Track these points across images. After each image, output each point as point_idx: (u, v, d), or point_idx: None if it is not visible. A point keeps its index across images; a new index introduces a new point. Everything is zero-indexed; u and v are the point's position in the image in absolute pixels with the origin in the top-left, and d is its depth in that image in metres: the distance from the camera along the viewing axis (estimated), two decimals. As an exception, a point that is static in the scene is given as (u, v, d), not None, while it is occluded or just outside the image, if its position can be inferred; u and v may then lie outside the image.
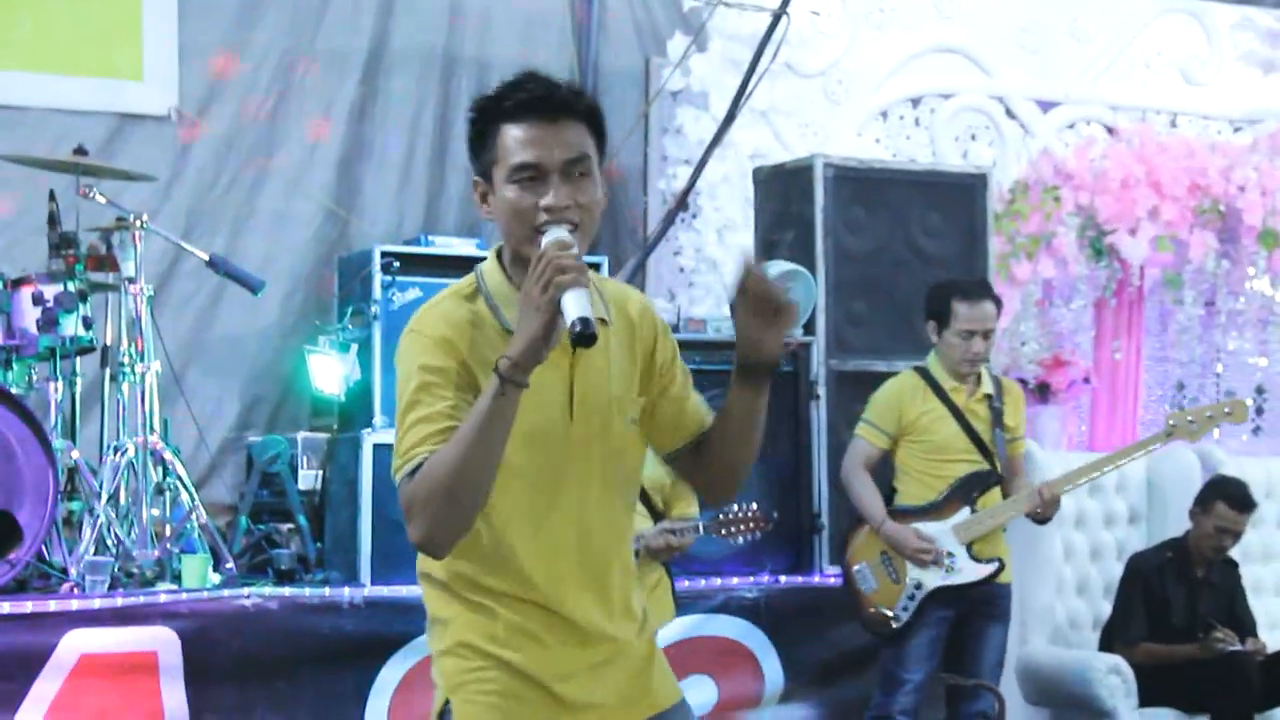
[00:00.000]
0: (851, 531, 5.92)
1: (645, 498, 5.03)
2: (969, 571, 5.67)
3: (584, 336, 2.55)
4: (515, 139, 2.72)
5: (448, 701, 2.85)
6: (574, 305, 2.56)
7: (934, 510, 5.71)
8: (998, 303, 5.81)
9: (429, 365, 2.71)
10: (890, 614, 5.70)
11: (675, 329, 6.61)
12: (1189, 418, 5.76)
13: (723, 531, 5.23)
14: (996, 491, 5.75)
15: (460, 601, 2.83)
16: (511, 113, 2.74)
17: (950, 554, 5.65)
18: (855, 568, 5.83)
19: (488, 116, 2.77)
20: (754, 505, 5.32)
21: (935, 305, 5.79)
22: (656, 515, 5.10)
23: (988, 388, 5.80)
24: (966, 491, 5.70)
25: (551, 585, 2.80)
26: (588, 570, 2.83)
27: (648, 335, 2.92)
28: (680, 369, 2.97)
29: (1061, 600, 7.29)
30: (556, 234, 2.66)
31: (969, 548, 5.67)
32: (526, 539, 2.79)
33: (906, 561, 5.69)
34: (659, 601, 5.06)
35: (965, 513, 5.68)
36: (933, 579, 5.67)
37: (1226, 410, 5.80)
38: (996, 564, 5.70)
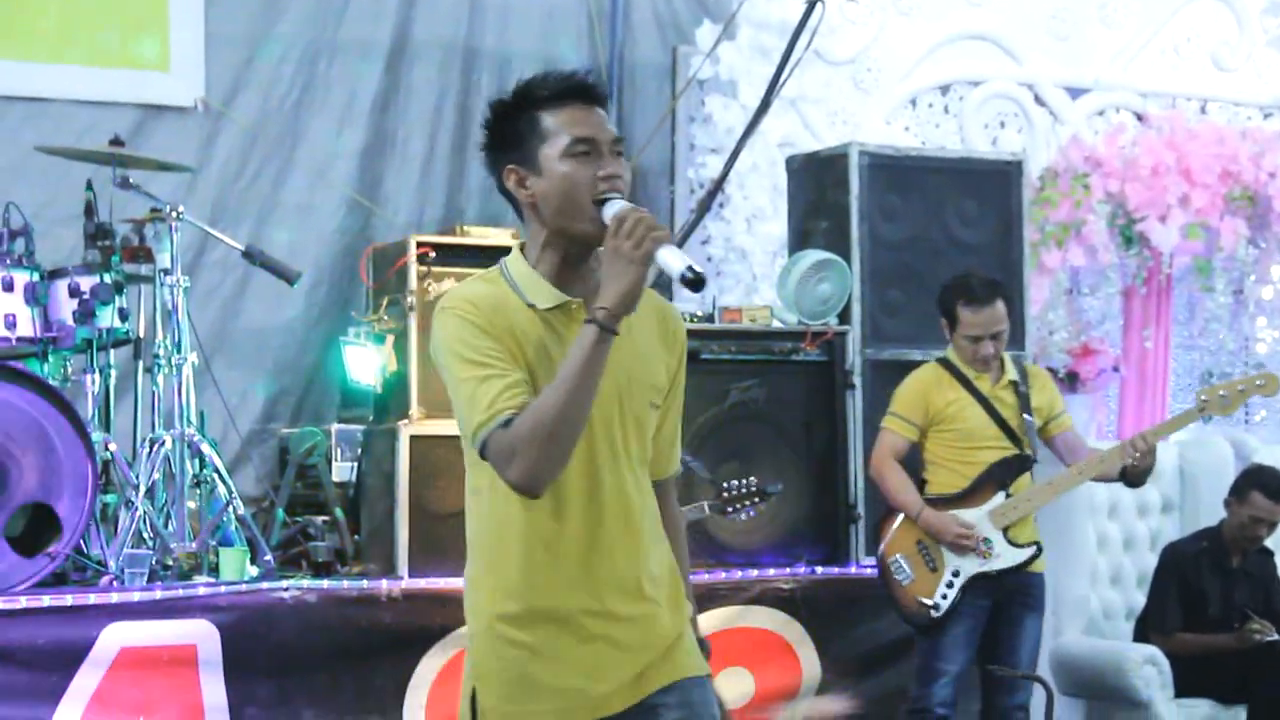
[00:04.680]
0: (883, 523, 5.88)
1: None
2: (1007, 557, 5.65)
3: (697, 281, 2.77)
4: (564, 120, 2.93)
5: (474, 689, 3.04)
6: (676, 257, 2.81)
7: (967, 498, 5.68)
8: (1009, 300, 5.74)
9: (479, 336, 2.89)
10: (930, 603, 5.67)
11: (710, 319, 6.59)
12: (1220, 391, 5.66)
13: (727, 510, 5.58)
14: (1028, 477, 5.72)
15: (484, 565, 3.02)
16: (553, 99, 2.95)
17: (988, 540, 5.62)
18: (891, 559, 5.79)
19: (523, 105, 2.96)
20: (753, 479, 5.63)
21: (944, 306, 5.76)
22: None
23: (1012, 374, 5.76)
24: (999, 477, 5.67)
25: (564, 543, 2.95)
26: (604, 536, 2.97)
27: (676, 349, 3.14)
28: (679, 401, 3.17)
29: (1095, 591, 7.25)
30: (623, 203, 2.87)
31: (1005, 533, 5.64)
32: (543, 512, 2.94)
33: (944, 549, 5.67)
34: None
35: (1000, 498, 5.65)
36: (971, 566, 5.64)
37: (1259, 383, 5.71)
38: (1034, 549, 5.67)
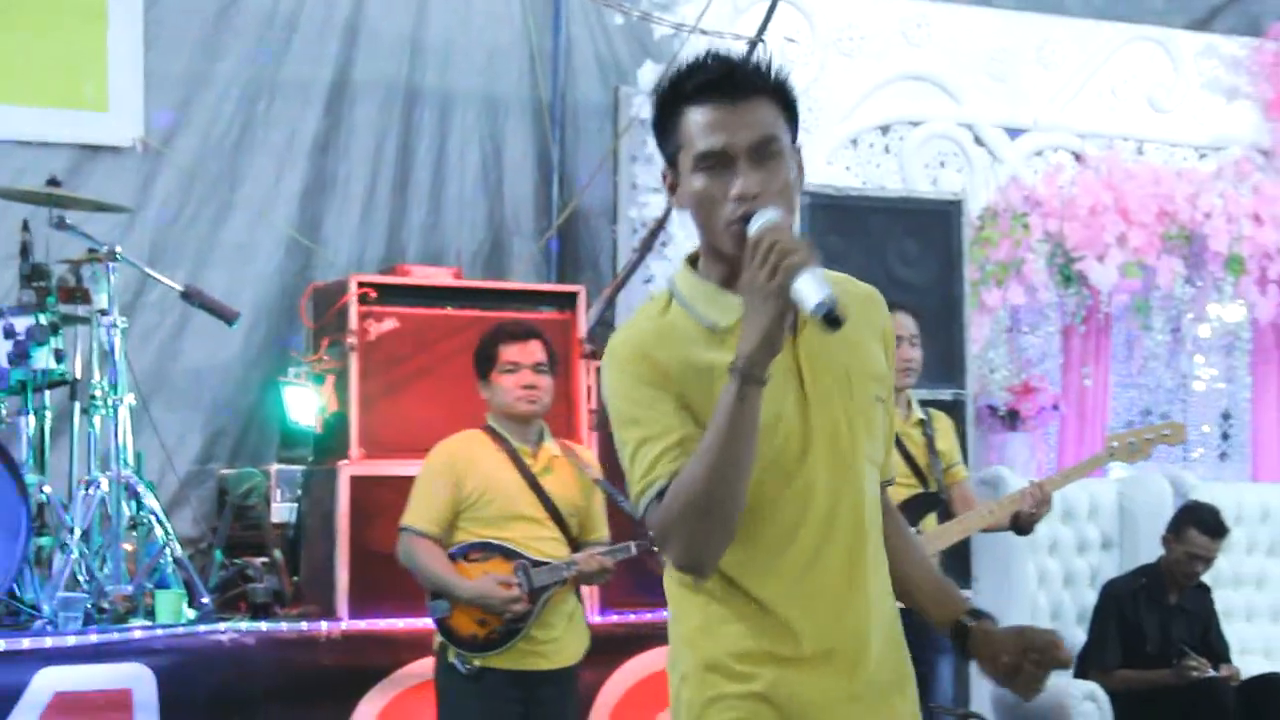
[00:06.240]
0: None
1: (561, 522, 4.98)
2: None
3: (832, 319, 2.35)
4: (698, 124, 2.55)
5: None
6: (813, 287, 2.36)
7: None
8: (916, 314, 5.70)
9: (634, 387, 2.56)
10: None
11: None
12: (1129, 439, 5.71)
13: (654, 548, 5.28)
14: (935, 516, 5.70)
15: (701, 616, 2.63)
16: (693, 95, 2.56)
17: None
18: None
19: (670, 101, 2.60)
20: None
21: None
22: (572, 540, 5.03)
23: (919, 414, 5.76)
24: (905, 515, 5.63)
25: (797, 590, 2.58)
26: (845, 576, 2.61)
27: (888, 337, 2.75)
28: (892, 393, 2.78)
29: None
30: (767, 215, 2.47)
31: None
32: (771, 546, 2.58)
33: None
34: (577, 631, 5.02)
35: None
36: None
37: (1165, 432, 5.77)
38: None
